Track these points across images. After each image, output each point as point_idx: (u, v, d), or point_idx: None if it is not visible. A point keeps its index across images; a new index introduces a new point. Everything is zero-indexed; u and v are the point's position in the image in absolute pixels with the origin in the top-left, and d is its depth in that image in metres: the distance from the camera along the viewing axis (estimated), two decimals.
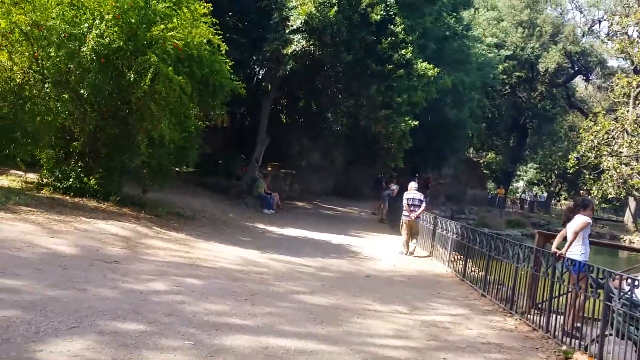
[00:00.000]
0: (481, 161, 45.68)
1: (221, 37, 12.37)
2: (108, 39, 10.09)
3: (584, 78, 44.84)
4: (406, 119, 17.73)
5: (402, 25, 17.62)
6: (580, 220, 7.32)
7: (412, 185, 13.99)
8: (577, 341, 6.11)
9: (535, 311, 7.44)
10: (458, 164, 36.94)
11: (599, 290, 5.74)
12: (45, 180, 11.55)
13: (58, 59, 10.49)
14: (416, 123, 17.89)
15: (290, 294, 7.25)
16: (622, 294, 5.29)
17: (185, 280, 6.89)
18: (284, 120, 26.33)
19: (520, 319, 7.48)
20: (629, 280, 5.23)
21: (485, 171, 45.04)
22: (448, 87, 21.12)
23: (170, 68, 10.08)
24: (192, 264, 8.05)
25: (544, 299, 7.25)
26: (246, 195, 19.14)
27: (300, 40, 16.56)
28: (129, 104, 10.88)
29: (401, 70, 17.11)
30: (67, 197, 10.84)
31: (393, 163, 19.19)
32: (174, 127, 11.11)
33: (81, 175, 11.26)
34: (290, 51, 16.55)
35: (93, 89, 10.41)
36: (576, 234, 7.24)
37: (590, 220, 7.34)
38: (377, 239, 15.99)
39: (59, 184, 11.23)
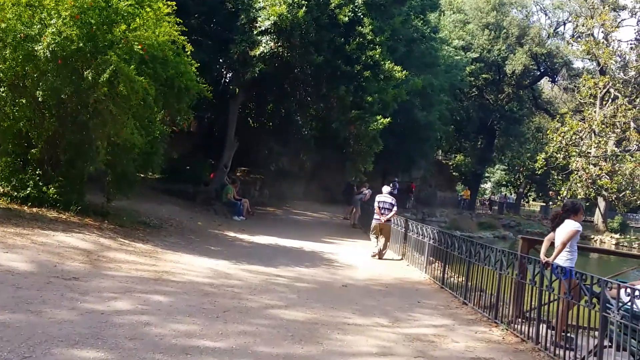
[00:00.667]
0: (450, 163, 45.76)
1: (186, 38, 11.89)
2: (65, 37, 9.46)
3: (550, 80, 45.31)
4: (378, 118, 17.42)
5: (371, 27, 17.39)
6: (569, 227, 7.01)
7: (385, 189, 14.04)
8: (571, 353, 5.78)
9: (523, 320, 7.12)
10: (427, 166, 36.84)
11: (594, 300, 5.42)
12: (1, 190, 10.85)
13: (14, 62, 9.86)
14: (388, 120, 17.60)
15: (264, 309, 6.78)
16: (620, 304, 4.98)
17: (150, 298, 6.37)
18: (252, 125, 25.83)
19: (507, 329, 7.15)
20: (629, 290, 4.92)
21: (454, 173, 45.13)
22: (418, 88, 20.96)
23: (131, 67, 9.49)
24: (158, 278, 7.52)
25: (532, 307, 6.94)
26: (215, 202, 18.58)
27: (269, 42, 16.12)
28: (89, 107, 10.25)
29: (368, 72, 16.82)
30: (25, 208, 10.18)
31: (363, 166, 18.85)
32: (138, 132, 10.54)
33: (39, 184, 10.63)
34: (258, 53, 16.09)
35: (50, 91, 9.77)
36: (564, 244, 6.93)
37: (580, 228, 7.05)
38: (351, 245, 15.62)
39: (16, 194, 10.58)
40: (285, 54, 16.34)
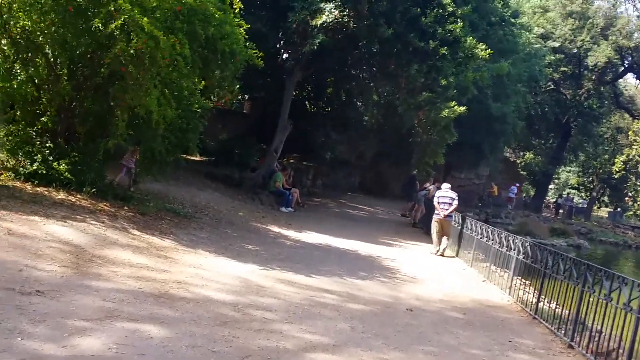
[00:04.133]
0: (518, 161, 42.55)
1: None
2: None
3: (636, 76, 41.33)
4: (452, 104, 15.03)
5: None
6: None
7: (445, 185, 13.82)
8: None
9: None
10: (495, 163, 33.96)
11: None
12: (5, 164, 9.18)
13: (19, 10, 8.10)
14: (464, 109, 15.19)
15: (303, 352, 4.73)
16: None
17: (139, 330, 4.41)
18: (309, 108, 23.80)
19: None
20: None
21: (522, 172, 41.92)
22: (504, 72, 18.36)
23: (145, 19, 7.49)
24: (163, 293, 5.57)
25: None
26: (261, 190, 16.65)
27: (333, 10, 13.97)
28: (104, 68, 8.41)
29: (445, 49, 14.41)
30: (28, 186, 8.48)
31: (433, 159, 16.50)
32: (167, 102, 8.66)
33: (49, 159, 8.90)
34: (320, 22, 13.98)
35: (60, 47, 7.99)
36: None
37: None
38: (413, 249, 13.42)
39: (21, 169, 8.89)
40: (351, 25, 14.16)
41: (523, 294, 8.66)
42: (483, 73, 15.90)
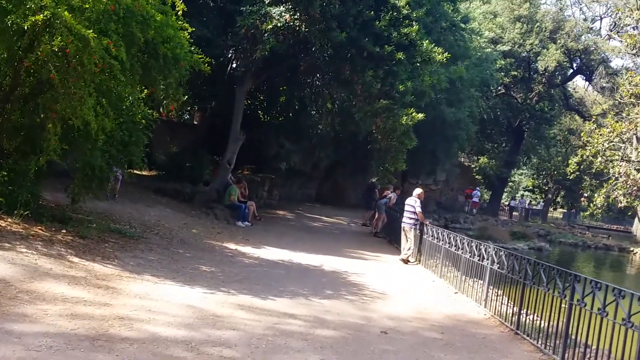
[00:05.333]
0: (473, 166, 42.70)
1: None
2: None
3: (585, 78, 42.02)
4: (410, 111, 14.51)
5: None
6: None
7: (415, 191, 13.53)
8: None
9: None
10: (452, 168, 33.86)
11: None
12: None
13: None
14: (422, 116, 14.69)
15: None
16: None
17: None
18: (263, 118, 23.02)
19: None
20: None
21: (477, 177, 42.08)
22: (462, 74, 18.01)
23: (68, 14, 6.60)
24: (101, 334, 4.71)
25: None
26: (215, 205, 15.77)
27: (284, 14, 13.30)
28: (29, 75, 7.49)
29: (401, 53, 13.89)
30: None
31: (394, 166, 15.91)
32: (104, 112, 7.79)
33: None
34: (270, 27, 13.27)
35: None
36: None
37: None
38: (377, 260, 12.81)
39: None
40: (303, 29, 13.49)
41: (501, 306, 8.11)
42: (440, 76, 15.45)
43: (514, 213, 45.24)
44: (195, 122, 25.88)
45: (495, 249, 8.64)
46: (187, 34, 9.38)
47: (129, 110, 9.21)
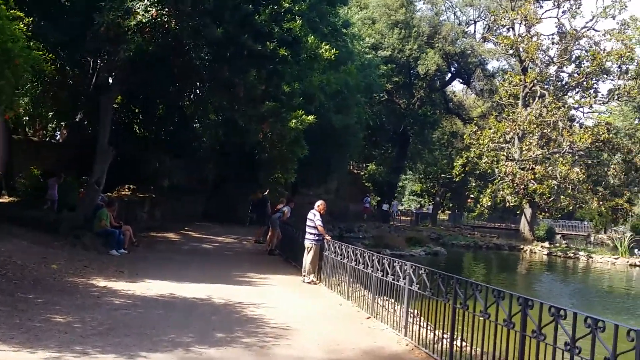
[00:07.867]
0: (362, 173, 42.50)
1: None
2: None
3: (463, 81, 43.24)
4: (299, 113, 13.22)
5: None
6: None
7: (316, 203, 12.21)
8: None
9: None
10: (342, 176, 33.22)
11: None
12: None
13: None
14: (312, 118, 13.46)
15: None
16: None
17: None
18: (139, 133, 20.90)
19: None
20: None
21: (367, 184, 41.91)
22: (352, 73, 17.05)
23: None
24: None
25: None
26: (84, 232, 13.61)
27: (149, 8, 11.56)
28: None
29: (284, 49, 12.60)
30: None
31: (284, 177, 14.56)
32: None
33: None
34: (134, 23, 11.49)
35: None
36: None
37: None
38: (275, 282, 11.38)
39: None
40: (173, 25, 11.82)
41: (423, 333, 6.94)
42: (329, 77, 14.35)
43: (389, 218, 45.00)
44: (61, 140, 23.20)
45: (413, 267, 7.46)
46: (22, 25, 7.50)
47: None
